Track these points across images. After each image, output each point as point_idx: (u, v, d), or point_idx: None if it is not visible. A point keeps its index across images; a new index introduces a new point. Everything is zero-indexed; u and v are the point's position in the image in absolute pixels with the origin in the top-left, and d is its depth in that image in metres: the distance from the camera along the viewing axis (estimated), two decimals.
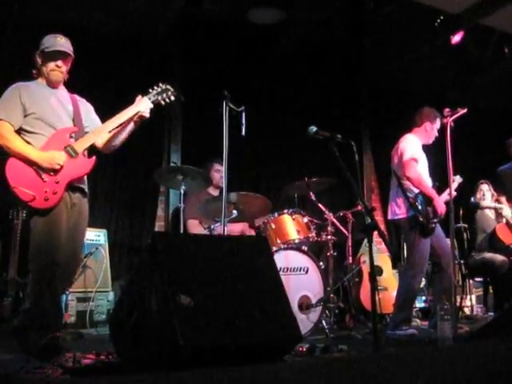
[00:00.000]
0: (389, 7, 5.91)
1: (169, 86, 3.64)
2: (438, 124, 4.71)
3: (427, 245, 4.34)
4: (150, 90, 3.60)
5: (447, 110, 4.42)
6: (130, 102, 5.70)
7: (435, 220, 4.36)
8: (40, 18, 5.44)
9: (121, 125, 3.52)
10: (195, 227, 5.22)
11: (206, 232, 4.86)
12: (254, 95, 6.26)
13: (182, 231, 4.59)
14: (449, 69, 7.20)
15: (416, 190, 4.40)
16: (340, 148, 3.25)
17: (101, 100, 5.56)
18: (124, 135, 3.59)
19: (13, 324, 3.44)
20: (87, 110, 3.66)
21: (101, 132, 3.50)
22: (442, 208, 4.38)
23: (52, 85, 3.49)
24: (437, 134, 4.70)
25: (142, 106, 3.52)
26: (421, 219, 4.28)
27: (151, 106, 3.55)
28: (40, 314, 3.17)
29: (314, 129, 3.41)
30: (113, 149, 3.65)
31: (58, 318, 3.30)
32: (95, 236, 5.20)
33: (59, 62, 3.43)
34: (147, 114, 3.53)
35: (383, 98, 7.57)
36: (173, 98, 3.64)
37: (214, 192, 5.44)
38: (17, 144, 3.23)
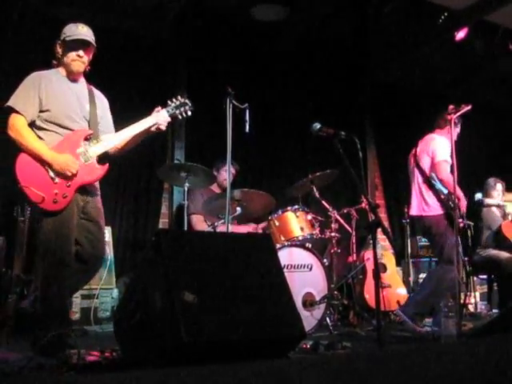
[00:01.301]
0: (393, 3, 5.90)
1: (187, 101, 3.64)
2: (458, 129, 4.73)
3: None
4: (169, 103, 3.59)
5: (451, 106, 4.41)
6: (131, 100, 5.76)
7: (461, 219, 4.40)
8: (40, 15, 5.46)
9: (136, 134, 3.50)
10: (199, 223, 5.22)
11: (209, 229, 4.87)
12: (257, 92, 6.26)
13: (185, 228, 4.60)
14: (453, 65, 7.18)
15: (444, 190, 4.47)
16: (344, 145, 3.25)
17: (104, 97, 5.53)
18: (134, 143, 3.58)
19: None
20: (104, 107, 3.60)
21: (116, 140, 3.46)
22: (464, 207, 4.44)
23: (72, 76, 3.40)
24: (456, 139, 4.70)
25: (160, 118, 3.49)
26: (456, 219, 4.31)
27: (169, 119, 3.54)
28: (47, 313, 3.16)
29: (317, 126, 3.41)
30: (121, 153, 3.63)
31: (64, 318, 3.28)
32: None
33: (80, 52, 3.33)
34: (163, 127, 3.52)
35: (387, 95, 7.56)
36: (190, 112, 3.65)
37: (218, 190, 5.44)
38: (31, 141, 3.16)
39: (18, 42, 5.31)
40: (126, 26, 5.93)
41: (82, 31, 3.33)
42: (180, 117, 3.64)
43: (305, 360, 2.49)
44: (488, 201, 5.90)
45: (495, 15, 5.94)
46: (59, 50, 3.36)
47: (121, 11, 5.69)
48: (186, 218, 4.54)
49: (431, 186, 4.51)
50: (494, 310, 5.93)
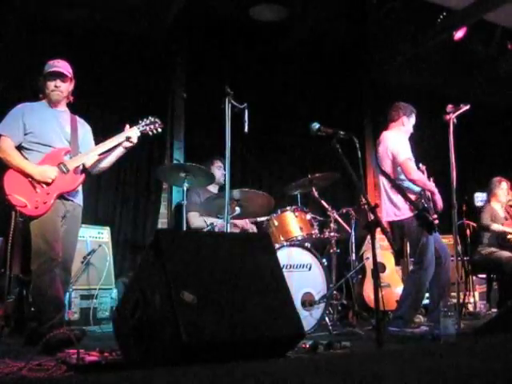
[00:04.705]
0: (392, 3, 5.89)
1: (157, 119, 4.03)
2: (413, 119, 4.65)
3: (432, 241, 4.32)
4: (140, 121, 3.97)
5: (450, 106, 4.40)
6: (131, 99, 5.77)
7: (436, 216, 4.35)
8: (40, 15, 5.47)
9: (110, 149, 3.88)
10: (195, 219, 5.23)
11: (208, 228, 4.88)
12: (256, 92, 6.26)
13: (184, 228, 4.60)
14: (452, 65, 7.18)
15: (416, 189, 4.38)
16: (343, 144, 3.25)
17: (104, 96, 5.56)
18: (112, 158, 3.94)
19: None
20: (85, 131, 3.98)
21: (91, 154, 3.84)
22: (440, 202, 4.38)
23: (53, 104, 3.82)
24: (412, 130, 4.66)
25: (130, 134, 3.86)
26: (430, 218, 4.24)
27: (138, 134, 3.91)
28: (42, 303, 3.46)
29: (316, 125, 3.41)
30: (101, 170, 4.01)
31: (59, 306, 3.53)
32: (98, 233, 5.21)
33: (57, 82, 3.76)
34: (135, 141, 3.88)
35: (386, 94, 7.55)
36: (160, 129, 4.04)
37: (214, 189, 5.44)
38: (16, 158, 3.60)
39: (18, 44, 5.32)
40: (125, 27, 5.93)
41: (58, 65, 3.77)
42: (151, 133, 4.00)
43: (304, 360, 2.49)
44: (493, 226, 5.81)
45: (494, 15, 5.95)
46: (42, 84, 3.80)
47: (120, 12, 5.69)
48: (184, 217, 4.54)
49: (399, 189, 4.38)
50: (493, 310, 5.93)
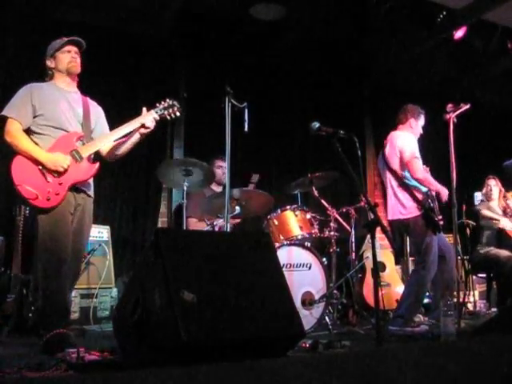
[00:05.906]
0: (391, 2, 5.89)
1: (175, 102, 3.73)
2: (422, 120, 4.68)
3: (436, 241, 4.32)
4: (157, 105, 3.69)
5: (450, 105, 4.40)
6: (131, 99, 5.77)
7: (441, 217, 4.36)
8: (41, 15, 5.47)
9: (126, 135, 3.62)
10: (193, 225, 5.22)
11: (206, 228, 4.87)
12: (256, 91, 6.26)
13: (184, 227, 4.59)
14: (452, 64, 7.18)
15: (423, 188, 4.38)
16: (343, 143, 3.25)
17: (104, 97, 5.56)
18: (128, 145, 3.69)
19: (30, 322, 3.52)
20: (97, 113, 3.75)
21: (106, 140, 3.60)
22: (446, 195, 4.38)
23: (71, 77, 3.59)
24: (421, 131, 4.67)
25: (148, 118, 3.60)
26: (435, 218, 4.25)
27: (157, 118, 3.64)
28: (50, 309, 3.25)
29: (316, 125, 3.41)
30: (117, 157, 3.76)
31: (66, 313, 3.39)
32: (98, 233, 5.21)
33: (73, 53, 3.55)
34: (152, 127, 3.62)
35: (386, 94, 7.57)
36: (178, 113, 3.74)
37: (217, 188, 5.44)
38: (24, 143, 3.32)
39: (18, 43, 5.32)
40: (125, 26, 5.93)
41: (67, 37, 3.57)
42: (169, 117, 3.73)
43: (304, 359, 2.49)
44: (483, 212, 5.84)
45: (494, 14, 5.94)
46: (51, 65, 3.58)
47: (120, 11, 5.69)
48: (185, 217, 4.53)
49: (407, 188, 4.38)
50: (493, 309, 5.93)
